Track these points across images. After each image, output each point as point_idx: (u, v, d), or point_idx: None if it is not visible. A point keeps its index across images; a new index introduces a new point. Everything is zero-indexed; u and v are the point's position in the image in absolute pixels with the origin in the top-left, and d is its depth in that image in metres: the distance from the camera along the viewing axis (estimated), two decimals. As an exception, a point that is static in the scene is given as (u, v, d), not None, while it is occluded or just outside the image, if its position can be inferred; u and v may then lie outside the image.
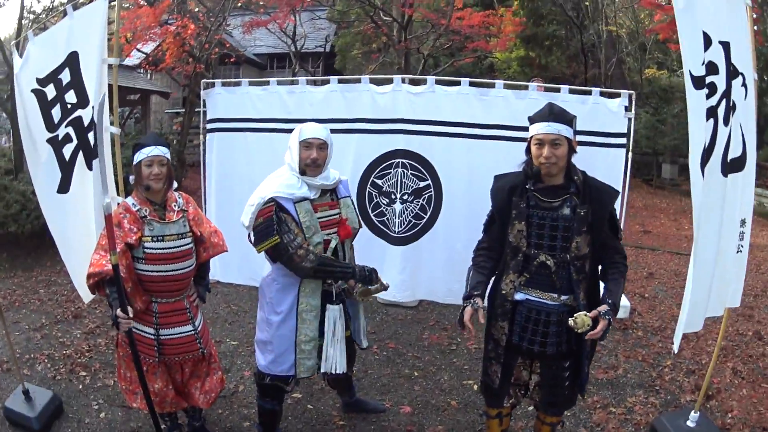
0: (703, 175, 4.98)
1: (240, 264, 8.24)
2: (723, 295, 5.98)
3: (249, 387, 6.75)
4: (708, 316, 5.94)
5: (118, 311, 4.92)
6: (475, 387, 7.37)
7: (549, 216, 4.74)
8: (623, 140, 7.80)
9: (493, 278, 5.14)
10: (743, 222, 5.91)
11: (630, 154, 8.19)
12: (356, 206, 5.99)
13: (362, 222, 7.22)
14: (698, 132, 5.03)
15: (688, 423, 6.41)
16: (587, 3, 32.70)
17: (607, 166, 7.62)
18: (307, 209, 5.35)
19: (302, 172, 5.41)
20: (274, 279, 5.61)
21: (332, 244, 5.48)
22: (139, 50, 24.68)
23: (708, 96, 5.07)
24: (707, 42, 5.06)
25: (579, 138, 7.34)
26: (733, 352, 9.12)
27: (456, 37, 27.16)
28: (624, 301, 10.35)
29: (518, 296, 4.87)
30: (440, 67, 29.11)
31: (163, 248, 5.31)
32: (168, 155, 5.40)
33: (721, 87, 5.22)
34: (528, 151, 4.89)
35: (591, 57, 34.15)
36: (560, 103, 7.30)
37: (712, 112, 5.15)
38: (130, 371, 5.51)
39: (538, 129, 4.72)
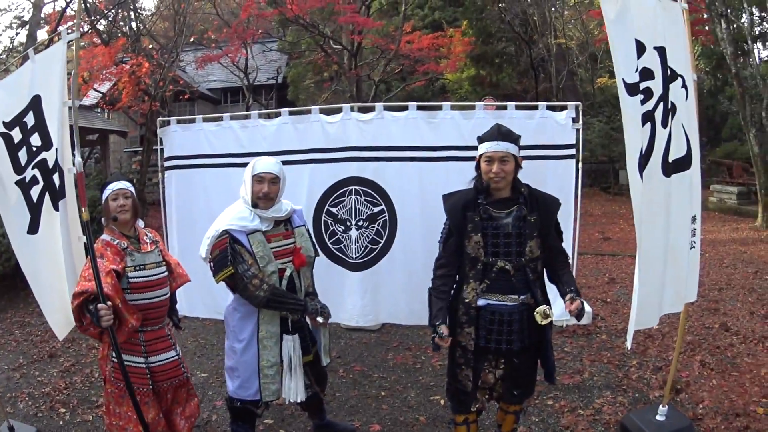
0: (642, 178, 5.12)
1: (205, 298, 8.31)
2: (680, 291, 6.06)
3: (221, 416, 6.86)
4: (666, 312, 6.11)
5: (99, 305, 4.95)
6: (442, 402, 7.45)
7: (502, 225, 5.05)
8: (572, 151, 7.96)
9: (453, 288, 5.39)
10: (693, 219, 5.97)
11: (580, 164, 8.24)
12: (312, 235, 6.15)
13: (320, 250, 7.31)
14: (634, 137, 5.18)
15: (658, 417, 6.51)
16: (535, 18, 32.95)
17: (559, 177, 7.81)
18: (260, 240, 5.52)
19: (255, 205, 5.58)
20: (235, 308, 5.77)
21: (287, 273, 5.65)
22: (95, 90, 24.76)
23: (643, 101, 5.20)
24: (641, 49, 5.20)
25: (530, 152, 7.52)
26: (699, 345, 9.30)
27: (406, 61, 27.41)
28: (586, 307, 10.34)
29: (481, 302, 5.10)
30: (392, 92, 29.28)
31: (146, 276, 5.50)
32: (132, 189, 5.63)
33: (658, 91, 5.34)
34: (478, 167, 5.20)
35: (542, 71, 34.41)
36: (508, 120, 7.46)
37: (648, 117, 5.27)
38: (119, 407, 5.54)
39: (488, 147, 5.06)
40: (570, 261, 5.54)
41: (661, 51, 5.40)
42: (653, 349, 9.09)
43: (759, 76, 25.04)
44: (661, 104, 5.37)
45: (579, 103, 8.04)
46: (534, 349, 5.28)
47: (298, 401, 5.80)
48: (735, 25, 23.16)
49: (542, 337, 5.23)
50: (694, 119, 5.82)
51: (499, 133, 5.07)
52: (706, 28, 26.19)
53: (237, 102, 38.97)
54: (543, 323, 4.92)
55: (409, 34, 26.51)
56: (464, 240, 5.12)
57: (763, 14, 30.33)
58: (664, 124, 5.43)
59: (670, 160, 5.55)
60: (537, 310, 4.91)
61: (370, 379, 8.31)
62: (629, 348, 6.56)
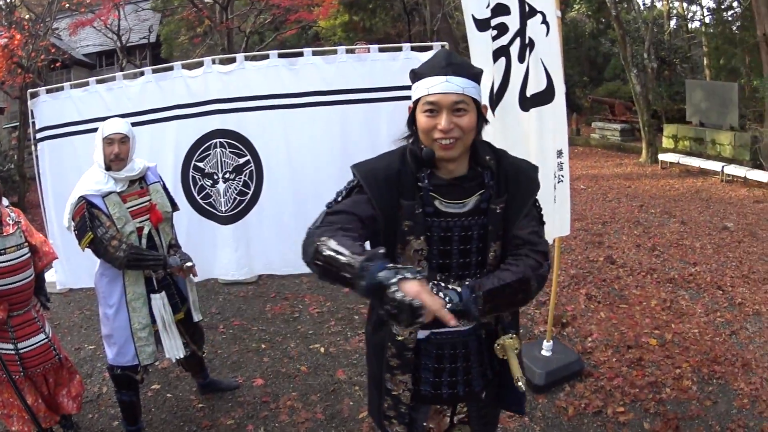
0: (494, 114, 5.09)
1: (88, 268, 8.12)
2: (549, 226, 6.03)
3: (112, 387, 6.59)
4: None
5: None
6: (322, 350, 7.61)
7: (456, 225, 3.22)
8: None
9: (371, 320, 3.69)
10: (560, 153, 5.98)
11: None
12: (168, 190, 6.15)
13: (189, 206, 7.27)
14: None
15: (543, 352, 6.68)
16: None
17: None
18: (115, 201, 5.47)
19: (108, 168, 5.51)
20: (102, 273, 5.72)
21: (145, 231, 5.65)
22: (-29, 68, 24.27)
23: (497, 36, 5.19)
24: None
25: (395, 93, 7.31)
26: (584, 279, 9.60)
27: (277, 11, 27.54)
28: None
29: (420, 335, 3.42)
30: (264, 43, 29.22)
31: (6, 261, 5.28)
32: None
33: (514, 26, 5.36)
34: (412, 121, 3.21)
35: (417, 15, 34.58)
36: (371, 63, 7.32)
37: (503, 51, 5.29)
38: (0, 395, 5.49)
39: (431, 86, 3.02)
40: (545, 255, 3.24)
41: (518, -13, 5.34)
42: (535, 283, 9.13)
43: (641, 20, 25.76)
44: (518, 39, 5.38)
45: (445, 43, 7.96)
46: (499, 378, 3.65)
47: (180, 357, 5.86)
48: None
49: (508, 367, 3.43)
50: (556, 54, 5.82)
51: (449, 63, 3.03)
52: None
53: (112, 65, 38.17)
54: (506, 358, 3.38)
55: (281, -17, 26.28)
56: (396, 244, 3.24)
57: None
58: (521, 59, 5.45)
59: (528, 95, 5.57)
60: (498, 342, 3.41)
61: (249, 333, 8.38)
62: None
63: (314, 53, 7.75)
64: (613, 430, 5.98)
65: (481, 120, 3.16)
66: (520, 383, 3.23)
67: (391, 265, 2.57)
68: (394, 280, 2.47)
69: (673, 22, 33.83)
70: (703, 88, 23.52)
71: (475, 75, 3.11)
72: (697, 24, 33.08)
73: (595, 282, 9.55)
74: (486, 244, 3.24)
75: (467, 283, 3.03)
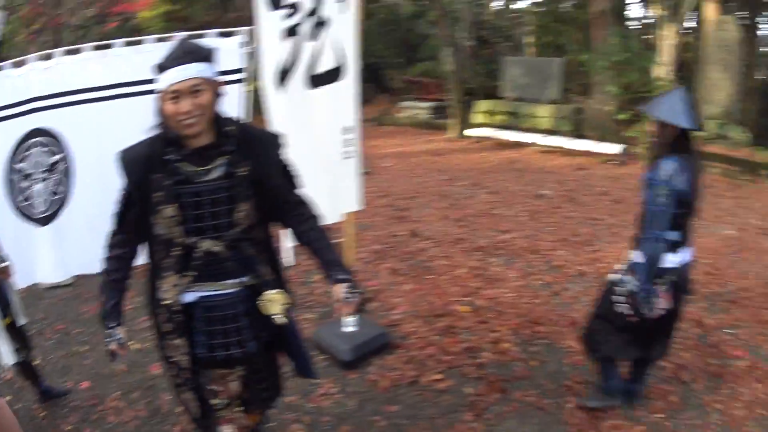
0: (283, 91, 5.52)
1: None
2: (337, 201, 6.39)
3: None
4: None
5: None
6: (138, 346, 7.50)
7: (206, 188, 3.58)
8: (240, 75, 8.07)
9: (146, 285, 4.05)
10: (347, 129, 6.33)
11: (251, 87, 8.45)
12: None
13: (14, 209, 7.30)
14: (271, 51, 5.61)
15: (346, 328, 6.82)
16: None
17: (229, 103, 7.83)
18: None
19: None
20: None
21: None
22: None
23: (289, 15, 5.60)
24: None
25: None
26: (387, 253, 9.78)
27: (101, 3, 27.23)
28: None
29: (188, 298, 3.75)
30: (87, 37, 28.95)
31: None
32: None
33: (307, 5, 5.70)
34: (159, 111, 3.59)
35: (233, 1, 34.73)
36: None
37: (293, 30, 5.67)
38: None
39: (173, 77, 3.42)
40: (315, 214, 3.99)
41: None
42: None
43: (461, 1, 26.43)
44: (310, 18, 5.73)
45: (251, 27, 8.24)
46: (278, 342, 4.09)
47: (10, 364, 5.76)
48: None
49: (282, 327, 3.92)
50: (351, 32, 6.15)
51: (184, 53, 3.45)
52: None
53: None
54: (273, 314, 3.76)
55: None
56: (150, 216, 3.66)
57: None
58: (313, 37, 5.79)
59: (317, 73, 5.89)
60: (261, 298, 3.75)
61: (71, 336, 8.27)
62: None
63: (126, 44, 7.69)
64: (432, 397, 6.08)
65: (216, 95, 3.60)
66: (276, 316, 3.76)
67: (115, 325, 4.11)
68: (107, 331, 4.08)
69: (497, 3, 34.43)
70: (522, 64, 24.08)
71: (207, 57, 3.54)
72: (521, 5, 33.77)
73: (399, 256, 9.66)
74: (234, 206, 3.63)
75: (336, 270, 3.82)
